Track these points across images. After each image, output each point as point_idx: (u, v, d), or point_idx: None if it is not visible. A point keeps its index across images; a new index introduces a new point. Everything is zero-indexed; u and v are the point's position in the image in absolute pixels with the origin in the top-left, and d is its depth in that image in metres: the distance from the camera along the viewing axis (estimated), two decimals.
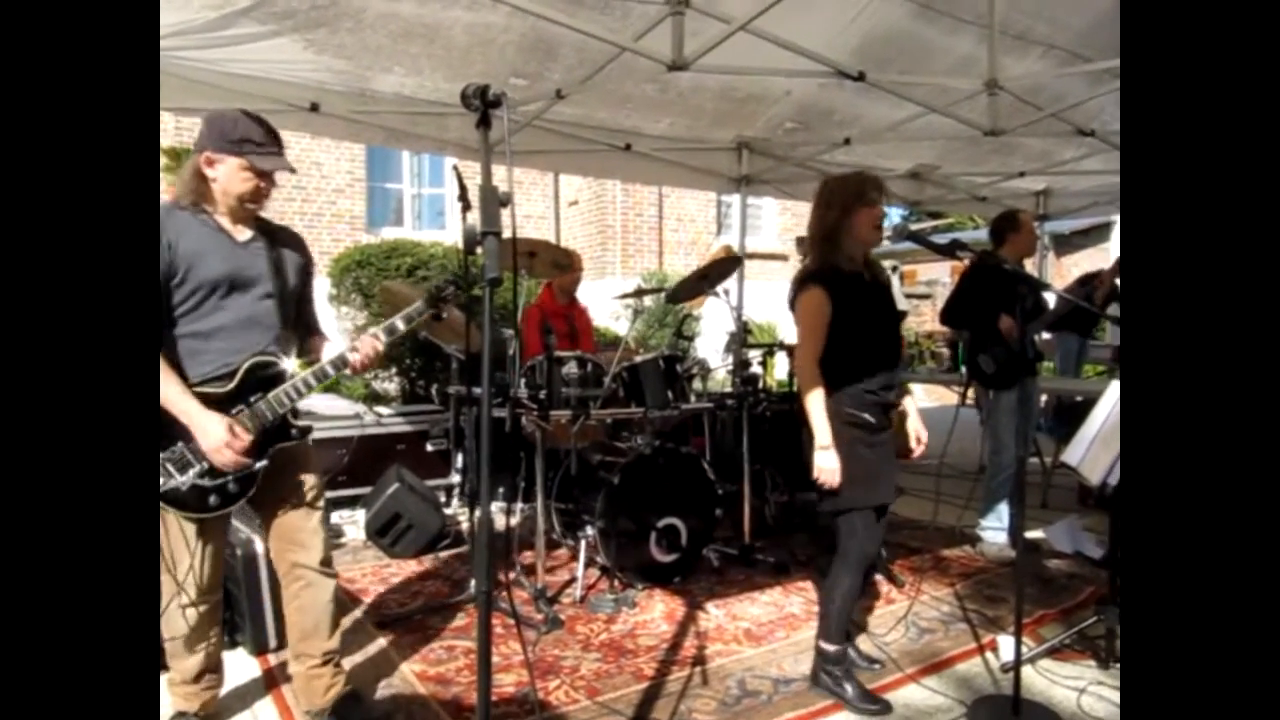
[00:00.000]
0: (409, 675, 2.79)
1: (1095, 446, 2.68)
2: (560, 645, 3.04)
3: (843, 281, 2.57)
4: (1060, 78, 4.23)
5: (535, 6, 3.09)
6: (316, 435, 4.50)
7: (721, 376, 6.18)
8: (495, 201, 1.37)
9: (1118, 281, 5.10)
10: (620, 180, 10.20)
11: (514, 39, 3.78)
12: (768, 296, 10.01)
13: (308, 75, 3.92)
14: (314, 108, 4.11)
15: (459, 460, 4.81)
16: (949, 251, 2.50)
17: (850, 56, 3.83)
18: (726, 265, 4.02)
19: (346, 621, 2.95)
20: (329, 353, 2.34)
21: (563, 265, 4.08)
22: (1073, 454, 2.80)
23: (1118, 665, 2.83)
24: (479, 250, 1.51)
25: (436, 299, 2.32)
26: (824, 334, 2.55)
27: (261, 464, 2.18)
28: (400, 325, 2.31)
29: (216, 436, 2.05)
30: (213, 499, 2.12)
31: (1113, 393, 2.75)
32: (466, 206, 1.78)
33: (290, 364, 2.23)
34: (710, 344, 7.62)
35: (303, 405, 2.29)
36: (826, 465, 2.49)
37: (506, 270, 1.49)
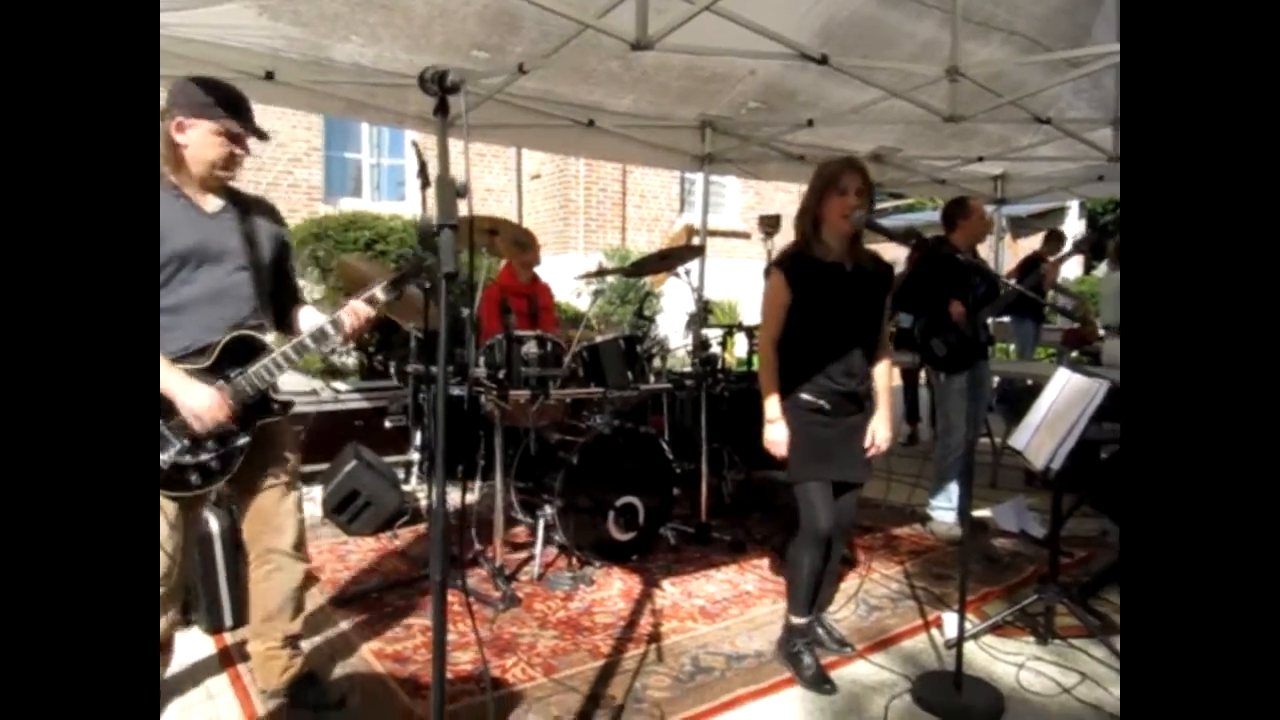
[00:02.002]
0: (366, 653, 2.80)
1: (1040, 432, 2.77)
2: (518, 623, 3.06)
3: (813, 269, 2.61)
4: (1020, 66, 4.29)
5: None
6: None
7: (683, 354, 6.21)
8: (452, 193, 1.36)
9: (1063, 270, 5.25)
10: (583, 157, 10.11)
11: (476, 10, 3.71)
12: (730, 274, 10.07)
13: (262, 42, 3.82)
14: (269, 76, 4.00)
15: (418, 437, 4.79)
16: (905, 238, 2.54)
17: (814, 39, 3.84)
18: (686, 251, 4.04)
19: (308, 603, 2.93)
20: (307, 324, 2.29)
21: (523, 244, 4.05)
22: (1019, 439, 2.90)
23: (1056, 641, 2.95)
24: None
25: (404, 279, 2.26)
26: (781, 319, 2.64)
27: (244, 440, 2.15)
28: (380, 295, 2.21)
29: (201, 399, 2.01)
30: (194, 477, 2.08)
31: (1058, 380, 2.83)
32: (426, 184, 1.75)
33: (270, 338, 2.19)
34: (672, 322, 7.65)
35: None
36: (773, 437, 2.63)
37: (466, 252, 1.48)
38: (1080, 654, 2.86)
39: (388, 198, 10.84)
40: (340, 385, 5.35)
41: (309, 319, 2.33)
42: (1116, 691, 2.60)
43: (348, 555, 3.82)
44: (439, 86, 1.44)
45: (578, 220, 11.10)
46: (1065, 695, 2.58)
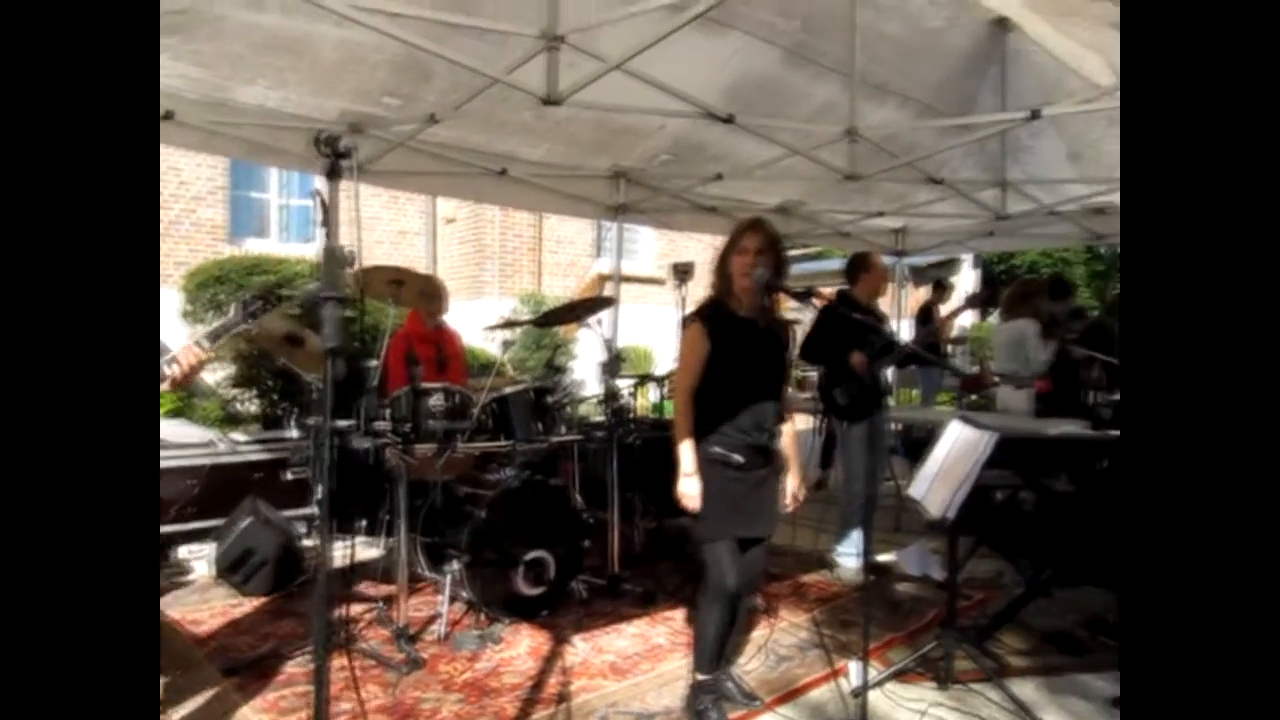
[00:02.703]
0: None
1: (936, 483, 2.87)
2: (421, 686, 2.95)
3: (730, 323, 2.67)
4: (914, 129, 4.54)
5: (405, 33, 3.04)
6: (165, 464, 4.25)
7: (596, 401, 6.21)
8: (338, 263, 1.33)
9: (957, 322, 5.55)
10: (497, 205, 10.09)
11: (386, 58, 3.70)
12: (644, 321, 10.16)
13: (161, 82, 3.70)
14: (167, 116, 3.87)
15: (319, 490, 4.60)
16: (804, 297, 2.62)
17: (721, 97, 3.96)
18: (596, 302, 4.07)
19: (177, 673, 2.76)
20: None
21: (430, 294, 3.99)
22: (917, 489, 2.99)
23: (955, 686, 3.02)
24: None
25: (248, 314, 2.18)
26: (699, 369, 2.66)
27: None
28: (205, 343, 2.14)
29: None
30: None
31: (951, 432, 2.95)
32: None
33: None
34: (586, 368, 7.66)
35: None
36: (687, 491, 2.61)
37: (377, 298, 1.45)
38: (978, 698, 2.94)
39: (296, 238, 10.55)
40: (239, 436, 5.13)
41: None
42: None
43: (241, 618, 3.62)
44: (331, 151, 1.42)
45: (492, 265, 11.04)
46: None
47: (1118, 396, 4.29)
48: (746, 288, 2.63)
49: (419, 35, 3.09)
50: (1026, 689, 3.00)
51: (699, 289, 3.31)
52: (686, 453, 2.62)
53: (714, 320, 2.67)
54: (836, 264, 13.02)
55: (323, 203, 1.97)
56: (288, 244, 10.20)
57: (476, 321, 7.05)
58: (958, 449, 2.86)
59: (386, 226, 10.97)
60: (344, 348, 1.37)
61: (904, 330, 7.43)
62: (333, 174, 1.40)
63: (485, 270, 11.06)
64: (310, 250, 9.70)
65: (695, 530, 2.67)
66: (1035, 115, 3.63)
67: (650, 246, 12.81)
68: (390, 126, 4.24)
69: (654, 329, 10.19)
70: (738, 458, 2.63)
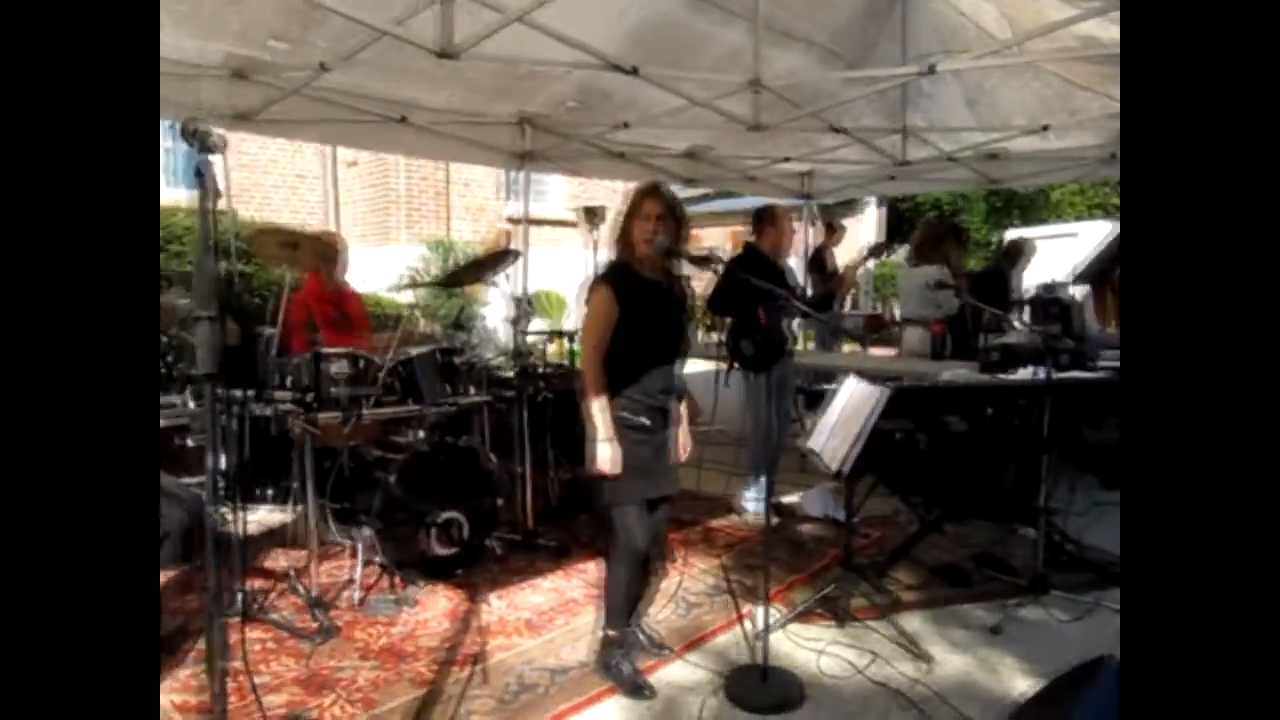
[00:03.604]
0: (165, 706, 2.62)
1: (833, 436, 3.00)
2: (336, 655, 2.97)
3: (637, 285, 2.69)
4: (817, 79, 4.57)
5: None
6: None
7: (505, 356, 6.18)
8: (211, 278, 1.28)
9: (863, 266, 5.71)
10: (399, 154, 9.72)
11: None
12: (557, 264, 10.06)
13: None
14: None
15: (221, 460, 4.47)
16: (705, 263, 2.67)
17: (624, 44, 3.89)
18: (502, 257, 4.01)
19: None
20: None
21: (327, 255, 3.85)
22: (815, 441, 3.12)
23: (852, 623, 3.22)
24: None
25: None
26: (608, 333, 2.66)
27: None
28: None
29: None
30: None
31: (847, 386, 3.08)
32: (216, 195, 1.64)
33: None
34: (499, 316, 7.58)
35: None
36: (606, 456, 2.61)
37: (270, 262, 1.40)
38: (872, 634, 3.14)
39: (183, 183, 9.92)
40: None
41: None
42: (901, 668, 2.89)
43: None
44: (199, 144, 1.34)
45: (398, 210, 10.69)
46: (859, 676, 2.83)
47: (1004, 339, 4.53)
48: (648, 254, 2.66)
49: None
50: (915, 622, 3.22)
51: (610, 231, 3.29)
52: (601, 418, 2.62)
53: (621, 284, 2.69)
54: (748, 202, 13.13)
55: (201, 186, 1.87)
56: (175, 189, 9.61)
57: (384, 270, 6.86)
58: (853, 404, 2.98)
59: (284, 170, 10.45)
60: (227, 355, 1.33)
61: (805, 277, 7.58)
62: (199, 174, 1.32)
63: (391, 216, 10.70)
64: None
65: (604, 494, 2.71)
66: (931, 70, 3.69)
67: (561, 188, 12.62)
68: (280, 73, 4.02)
69: (566, 273, 10.11)
70: (644, 420, 2.69)
